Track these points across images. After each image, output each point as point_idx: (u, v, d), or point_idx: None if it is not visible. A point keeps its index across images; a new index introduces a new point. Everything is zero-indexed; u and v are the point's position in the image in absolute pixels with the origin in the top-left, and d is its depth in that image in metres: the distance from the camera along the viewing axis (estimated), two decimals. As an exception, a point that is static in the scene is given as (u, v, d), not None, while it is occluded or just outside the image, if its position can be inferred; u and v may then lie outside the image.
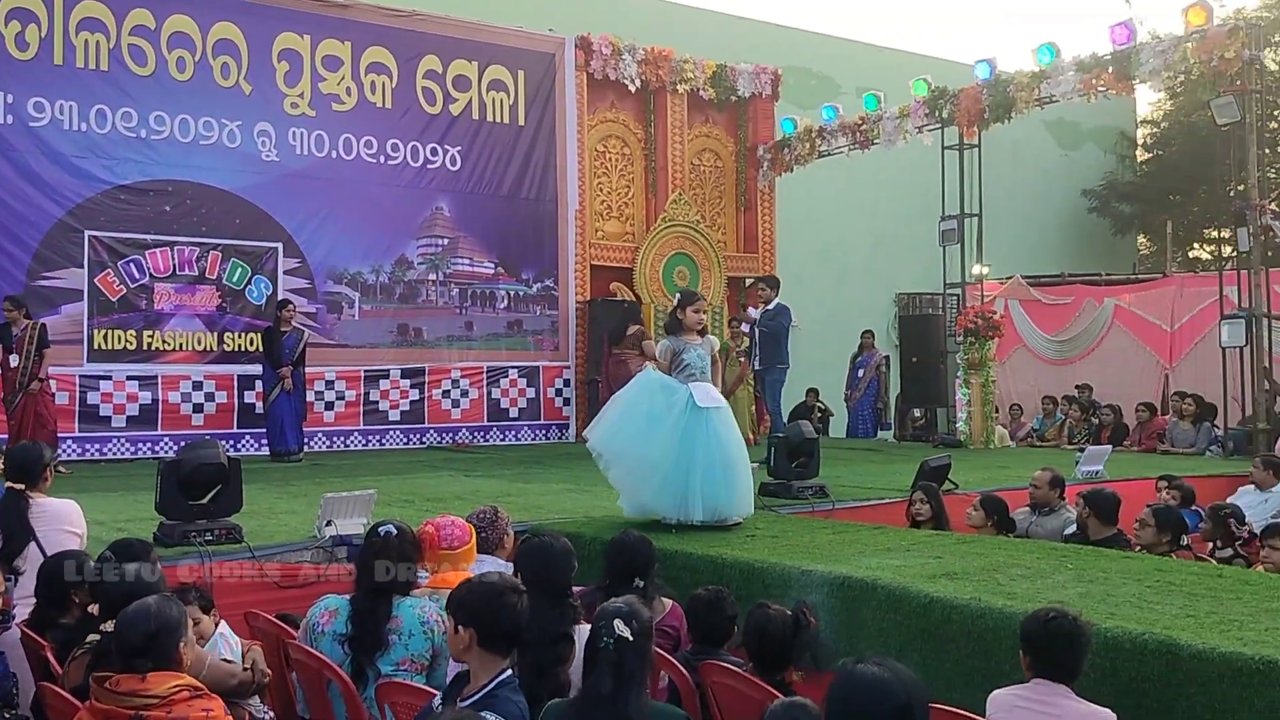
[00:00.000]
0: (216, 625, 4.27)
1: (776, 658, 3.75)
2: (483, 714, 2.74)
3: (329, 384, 12.25)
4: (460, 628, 3.11)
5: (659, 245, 14.54)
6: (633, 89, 14.47)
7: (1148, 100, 26.54)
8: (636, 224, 14.80)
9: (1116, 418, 13.39)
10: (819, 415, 15.43)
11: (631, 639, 3.04)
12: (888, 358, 15.95)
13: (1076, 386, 15.13)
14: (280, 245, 12.09)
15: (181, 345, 11.52)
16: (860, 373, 15.25)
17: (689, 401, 6.12)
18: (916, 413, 15.43)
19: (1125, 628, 3.83)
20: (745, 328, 12.25)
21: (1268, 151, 24.20)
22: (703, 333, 6.49)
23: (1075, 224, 24.01)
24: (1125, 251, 24.76)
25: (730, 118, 15.65)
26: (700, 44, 15.96)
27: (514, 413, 13.55)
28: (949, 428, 14.31)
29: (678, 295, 6.76)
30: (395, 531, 4.08)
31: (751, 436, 12.23)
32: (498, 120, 13.55)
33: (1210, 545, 6.45)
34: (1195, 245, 26.14)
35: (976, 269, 14.48)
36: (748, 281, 13.47)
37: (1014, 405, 15.69)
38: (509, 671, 3.11)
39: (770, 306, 11.33)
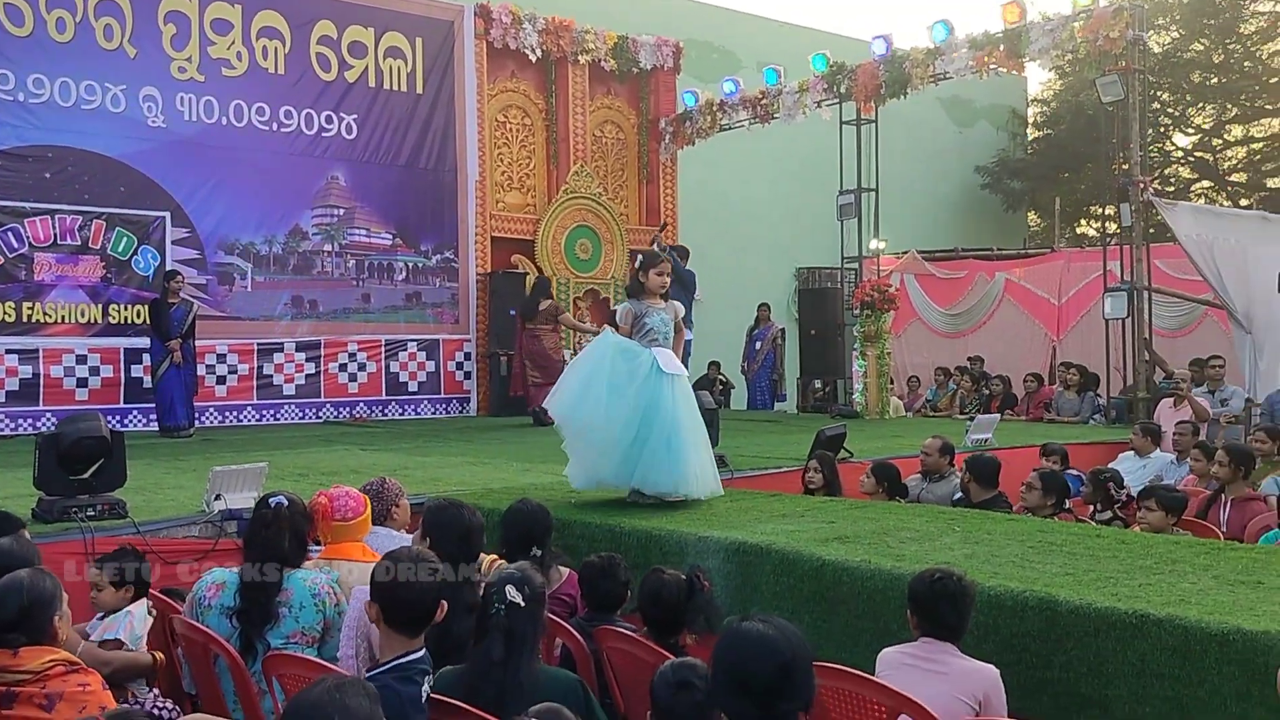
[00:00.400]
0: (133, 601, 4.13)
1: (671, 622, 3.78)
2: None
3: (220, 358, 11.96)
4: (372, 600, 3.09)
5: (560, 217, 14.48)
6: (533, 59, 14.34)
7: (1039, 80, 27.28)
8: (538, 195, 14.70)
9: (1006, 388, 13.78)
10: (720, 387, 15.58)
11: (523, 605, 3.03)
12: (783, 330, 16.13)
13: (968, 358, 15.51)
14: (168, 214, 11.72)
15: (64, 317, 11.11)
16: (757, 345, 15.41)
17: (653, 366, 5.78)
18: (818, 384, 15.66)
19: (1008, 586, 3.94)
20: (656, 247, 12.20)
21: (1151, 131, 25.10)
22: (665, 297, 6.08)
23: (969, 200, 24.57)
24: (1016, 227, 25.42)
25: (632, 90, 15.62)
26: (601, 15, 15.87)
27: (413, 386, 13.40)
28: (846, 399, 14.56)
29: (640, 257, 6.31)
30: (286, 503, 4.00)
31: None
32: (395, 88, 13.31)
33: (1091, 508, 6.67)
34: (1083, 221, 26.99)
35: (874, 243, 14.71)
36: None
37: (911, 377, 16.01)
38: (414, 655, 3.07)
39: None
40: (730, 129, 15.33)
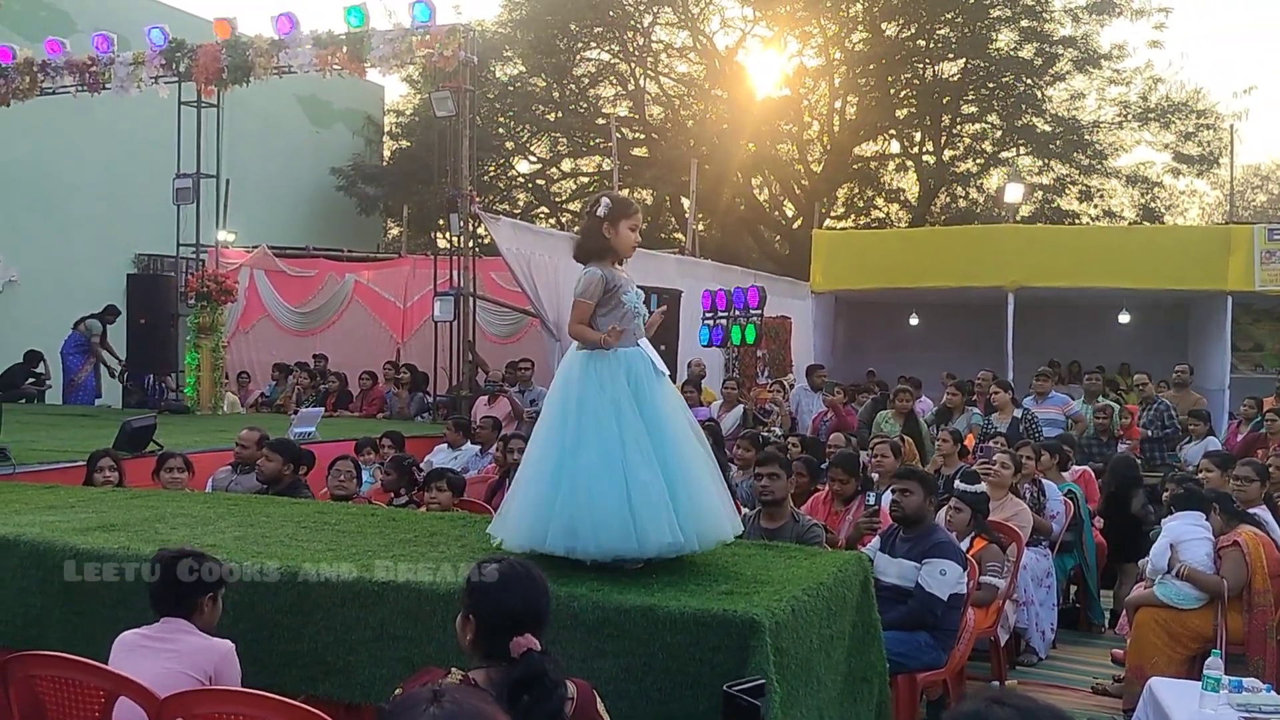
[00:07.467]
0: None
1: None
2: None
3: None
4: None
5: None
6: None
7: (398, 91, 28.27)
8: None
9: (342, 385, 13.97)
10: (34, 381, 13.97)
11: None
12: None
13: (313, 355, 15.55)
14: None
15: None
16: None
17: (648, 368, 3.91)
18: (149, 378, 14.63)
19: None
20: None
21: (496, 155, 27.15)
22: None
23: (324, 200, 24.65)
24: (371, 230, 26.02)
25: (-71, 34, 13.54)
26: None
27: None
28: (179, 393, 13.86)
29: (605, 202, 3.99)
30: None
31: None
32: None
33: (390, 495, 7.06)
34: (436, 232, 28.41)
35: (221, 234, 14.17)
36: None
37: (242, 373, 15.58)
38: None
39: None
40: (54, 94, 13.84)
